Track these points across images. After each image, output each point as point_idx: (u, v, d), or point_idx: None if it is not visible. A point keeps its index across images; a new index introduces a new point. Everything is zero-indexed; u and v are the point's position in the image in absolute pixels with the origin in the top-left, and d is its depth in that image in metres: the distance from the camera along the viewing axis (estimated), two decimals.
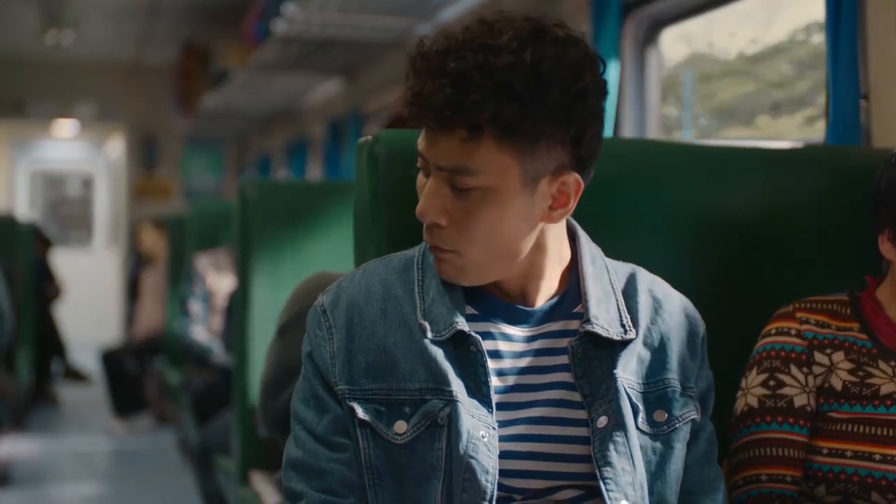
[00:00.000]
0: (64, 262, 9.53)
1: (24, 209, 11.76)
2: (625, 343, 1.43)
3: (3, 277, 5.21)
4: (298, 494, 1.40)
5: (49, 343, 7.95)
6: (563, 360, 1.42)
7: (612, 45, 3.24)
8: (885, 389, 1.61)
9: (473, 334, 1.38)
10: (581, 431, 1.40)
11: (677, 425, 1.44)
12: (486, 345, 1.39)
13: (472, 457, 1.34)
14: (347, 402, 1.39)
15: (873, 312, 1.68)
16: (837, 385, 1.64)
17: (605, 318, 1.43)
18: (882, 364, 1.64)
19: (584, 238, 1.51)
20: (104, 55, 9.08)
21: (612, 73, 3.26)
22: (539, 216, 1.39)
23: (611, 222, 1.76)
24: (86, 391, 8.39)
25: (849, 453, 1.59)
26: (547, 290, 1.45)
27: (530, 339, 1.43)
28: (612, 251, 1.55)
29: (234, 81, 6.52)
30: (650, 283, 1.51)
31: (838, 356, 1.65)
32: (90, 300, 11.03)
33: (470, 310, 1.42)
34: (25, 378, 6.49)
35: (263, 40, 5.36)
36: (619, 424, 1.39)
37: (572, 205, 1.40)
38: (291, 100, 7.04)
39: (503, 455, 1.37)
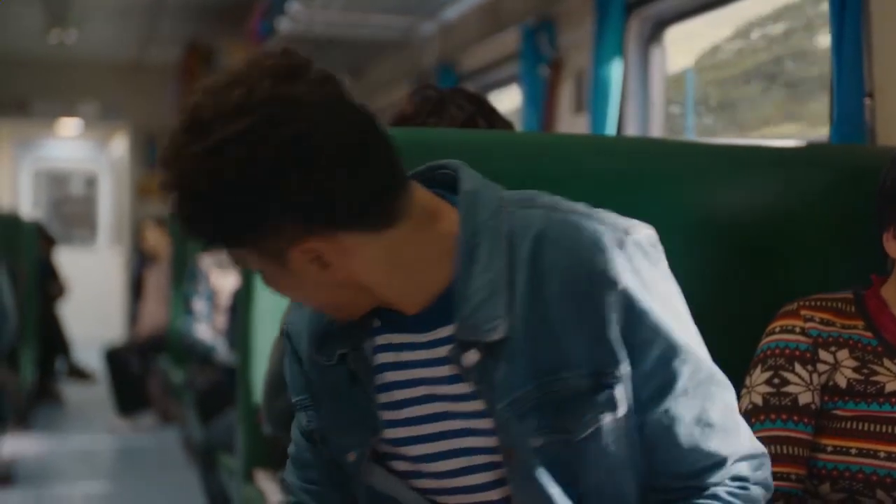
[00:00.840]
0: (67, 260, 9.53)
1: (28, 208, 11.76)
2: (502, 342, 1.24)
3: (7, 276, 5.21)
4: (289, 486, 1.48)
5: (53, 341, 7.97)
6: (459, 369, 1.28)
7: (615, 43, 3.25)
8: (889, 387, 1.61)
9: (351, 357, 1.33)
10: (492, 441, 1.28)
11: (584, 433, 1.25)
12: (388, 357, 1.33)
13: (346, 473, 1.37)
14: (298, 412, 1.44)
15: (878, 310, 1.68)
16: (842, 383, 1.64)
17: (479, 313, 1.24)
18: (887, 362, 1.64)
19: (465, 205, 1.28)
20: (108, 54, 9.08)
21: (616, 72, 3.26)
22: (320, 280, 1.24)
23: None
24: (89, 389, 8.39)
25: (853, 451, 1.59)
26: (420, 297, 1.28)
27: (431, 346, 1.30)
28: None
29: None
30: (547, 235, 1.25)
31: (843, 354, 1.65)
32: (94, 299, 11.04)
33: (377, 322, 1.34)
34: (29, 376, 6.49)
35: (267, 39, 5.36)
36: (516, 446, 1.26)
37: (342, 263, 1.23)
38: None
39: (441, 475, 1.33)
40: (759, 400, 1.66)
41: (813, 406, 1.64)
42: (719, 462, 1.30)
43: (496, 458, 1.29)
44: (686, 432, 1.28)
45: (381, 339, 1.33)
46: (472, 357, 1.25)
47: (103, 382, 7.49)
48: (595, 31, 3.32)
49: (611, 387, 1.24)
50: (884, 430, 1.59)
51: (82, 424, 7.20)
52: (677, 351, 1.26)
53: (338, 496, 1.42)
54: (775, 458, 1.61)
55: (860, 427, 1.60)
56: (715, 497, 1.29)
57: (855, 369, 1.64)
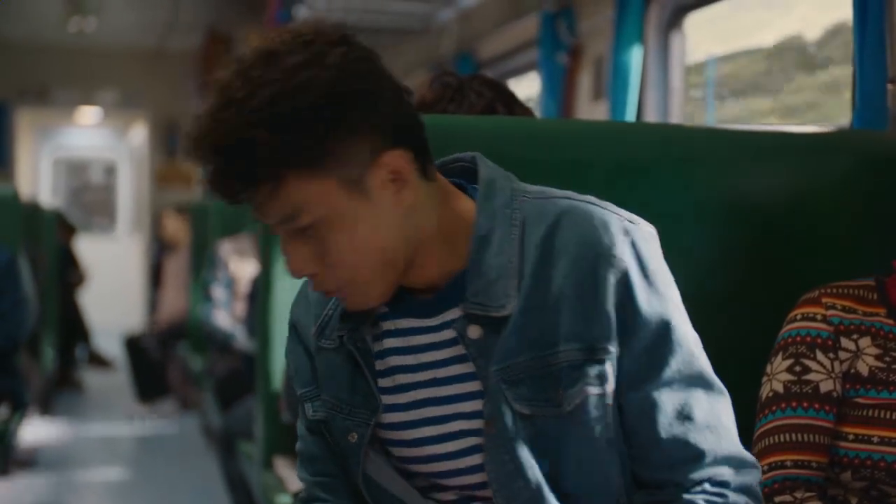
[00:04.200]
0: (87, 248, 9.58)
1: (48, 196, 11.82)
2: (506, 318, 1.29)
3: (28, 264, 5.24)
4: (302, 481, 1.50)
5: (73, 329, 8.01)
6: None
7: (635, 30, 3.23)
8: None
9: (347, 340, 1.37)
10: (478, 418, 1.33)
11: (572, 405, 1.28)
12: (395, 342, 1.37)
13: (348, 461, 1.39)
14: (304, 403, 1.46)
15: None
16: (864, 370, 1.63)
17: (487, 291, 1.29)
18: None
19: (484, 193, 1.34)
20: (127, 42, 9.11)
21: (636, 58, 3.25)
22: (391, 209, 1.28)
23: (634, 207, 1.74)
24: (110, 377, 8.44)
25: (875, 439, 1.58)
26: (434, 271, 1.33)
27: (438, 329, 1.34)
28: None
29: None
30: (562, 219, 1.31)
31: (865, 341, 1.64)
32: (114, 286, 11.10)
33: (384, 308, 1.38)
34: (50, 363, 6.53)
35: (286, 26, 5.36)
36: (498, 416, 1.29)
37: (412, 178, 1.28)
38: None
39: (434, 458, 1.36)
40: (780, 387, 1.65)
41: (834, 394, 1.63)
42: (697, 456, 1.31)
43: (476, 424, 1.32)
44: (665, 421, 1.30)
45: (388, 325, 1.37)
46: (475, 331, 1.30)
47: (123, 370, 7.53)
48: (615, 17, 3.31)
49: (602, 362, 1.28)
50: None
51: (102, 411, 7.24)
52: (669, 341, 1.30)
53: (346, 485, 1.45)
54: (796, 446, 1.60)
55: (882, 415, 1.59)
56: None
57: (877, 357, 1.63)
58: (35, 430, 6.16)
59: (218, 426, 4.55)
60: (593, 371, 1.28)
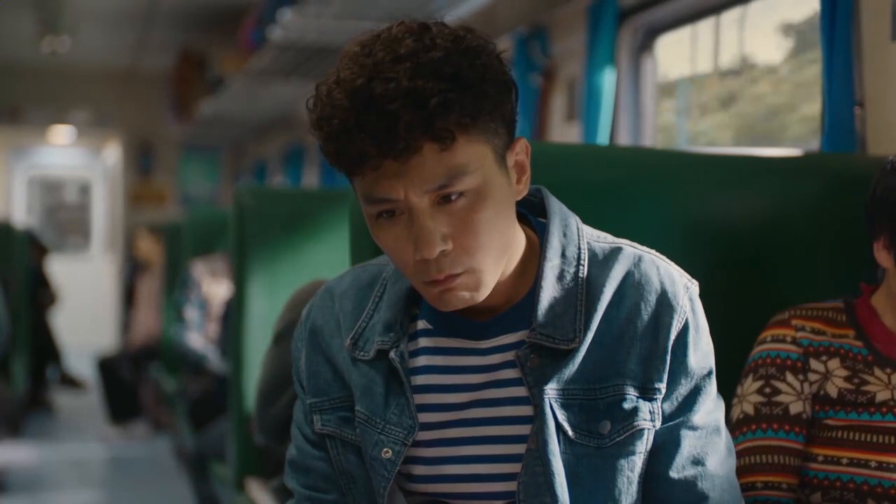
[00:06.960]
0: (61, 268, 9.52)
1: (22, 215, 11.75)
2: (571, 351, 1.32)
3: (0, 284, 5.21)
4: (290, 491, 1.47)
5: (45, 350, 7.95)
6: (518, 373, 1.34)
7: (607, 52, 3.25)
8: (880, 397, 1.61)
9: (393, 354, 1.35)
10: (522, 429, 1.34)
11: (619, 438, 1.32)
12: (436, 360, 1.37)
13: (375, 475, 1.35)
14: (312, 415, 1.43)
15: (868, 319, 1.68)
16: (833, 392, 1.64)
17: (555, 324, 1.32)
18: (878, 371, 1.64)
19: (557, 223, 1.38)
20: (100, 62, 9.07)
21: (608, 80, 3.27)
22: (513, 196, 1.30)
23: (605, 230, 1.75)
24: (81, 398, 8.37)
25: (844, 460, 1.59)
26: (494, 297, 1.32)
27: (488, 353, 1.35)
28: None
29: (230, 88, 6.51)
30: (631, 265, 1.36)
31: (834, 363, 1.65)
32: (87, 306, 11.02)
33: (424, 324, 1.38)
34: (21, 385, 6.47)
35: (260, 47, 5.36)
36: (542, 432, 1.30)
37: (528, 169, 1.32)
38: (288, 106, 7.04)
39: (457, 478, 1.35)
40: (750, 409, 1.66)
41: (804, 415, 1.64)
42: (701, 500, 1.35)
43: (515, 448, 1.32)
44: (680, 462, 1.35)
45: (428, 342, 1.37)
46: (535, 360, 1.32)
47: (95, 391, 7.48)
48: (587, 39, 3.32)
49: (651, 401, 1.33)
50: (875, 439, 1.59)
51: (74, 433, 7.18)
52: (702, 393, 1.36)
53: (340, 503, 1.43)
54: (767, 468, 1.61)
55: (851, 436, 1.60)
56: None
57: (846, 378, 1.64)
58: (5, 452, 6.10)
59: (190, 448, 4.53)
60: (645, 407, 1.33)
